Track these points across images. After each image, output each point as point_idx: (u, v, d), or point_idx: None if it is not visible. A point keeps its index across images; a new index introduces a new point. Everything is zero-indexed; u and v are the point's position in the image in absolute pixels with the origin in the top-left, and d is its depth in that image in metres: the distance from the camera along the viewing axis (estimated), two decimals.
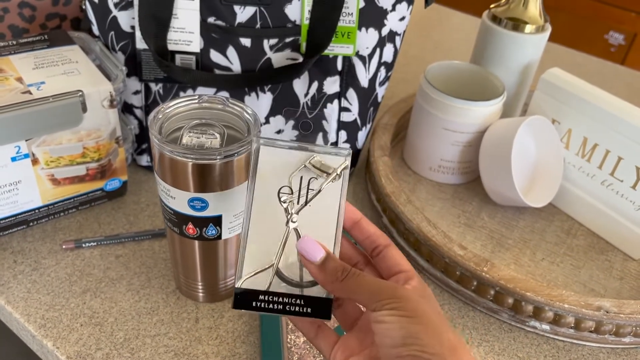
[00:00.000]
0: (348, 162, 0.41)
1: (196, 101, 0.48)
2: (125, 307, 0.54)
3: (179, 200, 0.46)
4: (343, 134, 0.67)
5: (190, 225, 0.48)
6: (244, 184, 0.47)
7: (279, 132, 0.65)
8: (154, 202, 0.65)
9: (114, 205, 0.64)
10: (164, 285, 0.56)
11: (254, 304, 0.38)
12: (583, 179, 0.67)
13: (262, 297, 0.38)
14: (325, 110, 0.65)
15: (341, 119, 0.66)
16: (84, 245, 0.58)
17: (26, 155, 0.53)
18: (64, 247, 0.58)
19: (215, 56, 0.61)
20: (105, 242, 0.59)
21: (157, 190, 0.48)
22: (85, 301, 0.54)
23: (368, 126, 0.70)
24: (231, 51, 0.61)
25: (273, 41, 0.61)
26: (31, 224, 0.59)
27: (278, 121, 0.65)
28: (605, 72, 1.04)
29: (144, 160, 0.68)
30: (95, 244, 0.59)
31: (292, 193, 0.40)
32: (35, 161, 0.54)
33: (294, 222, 0.40)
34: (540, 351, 0.54)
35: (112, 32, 0.61)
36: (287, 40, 0.61)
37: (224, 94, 0.63)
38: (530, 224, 0.67)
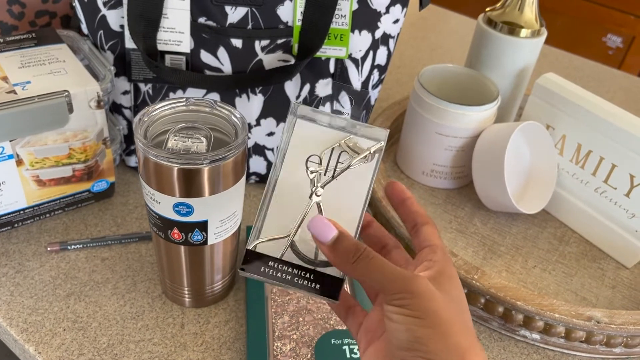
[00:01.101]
0: (383, 144, 0.40)
1: (183, 104, 0.47)
2: (109, 311, 0.53)
3: (164, 205, 0.45)
4: None
5: (176, 230, 0.47)
6: (231, 189, 0.46)
7: (270, 134, 0.64)
8: (142, 203, 0.64)
9: (101, 207, 0.63)
10: (149, 289, 0.55)
11: (262, 268, 0.37)
12: (577, 185, 0.66)
13: (272, 263, 0.37)
14: None
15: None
16: (69, 247, 0.57)
17: (10, 156, 0.53)
18: (48, 249, 0.57)
19: (205, 57, 0.60)
20: (91, 245, 0.58)
21: (143, 194, 0.47)
22: (69, 305, 0.53)
23: None
24: (222, 52, 0.60)
25: (264, 42, 0.60)
26: (16, 225, 0.58)
27: (269, 123, 0.64)
28: (602, 76, 1.04)
29: (133, 161, 0.67)
30: (81, 246, 0.58)
31: (320, 163, 0.39)
32: (19, 162, 0.53)
33: (318, 195, 0.39)
34: None
35: (101, 31, 0.60)
36: (279, 41, 0.60)
37: (214, 95, 0.62)
38: (523, 231, 0.67)
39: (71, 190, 0.59)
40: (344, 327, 0.52)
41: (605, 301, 0.59)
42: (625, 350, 0.54)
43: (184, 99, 0.48)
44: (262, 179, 0.68)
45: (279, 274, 0.37)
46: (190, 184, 0.44)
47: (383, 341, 0.36)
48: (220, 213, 0.47)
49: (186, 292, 0.53)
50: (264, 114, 0.63)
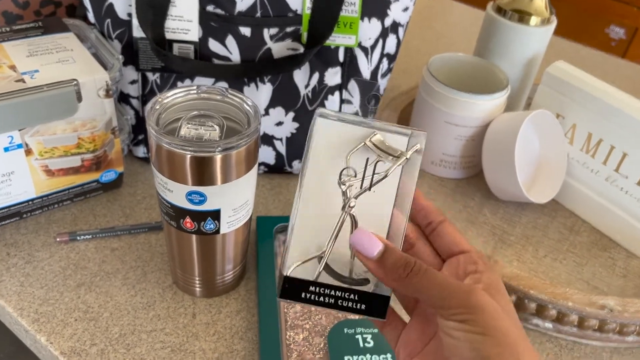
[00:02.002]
0: (421, 145, 0.37)
1: (195, 92, 0.47)
2: (120, 301, 0.52)
3: (177, 193, 0.45)
4: None
5: (188, 219, 0.46)
6: (243, 177, 0.46)
7: (278, 124, 0.64)
8: (151, 194, 0.64)
9: (110, 197, 0.63)
10: (160, 279, 0.55)
11: (302, 294, 0.35)
12: (587, 175, 0.66)
13: (313, 288, 0.35)
14: (326, 102, 0.63)
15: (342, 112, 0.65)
16: (78, 238, 0.57)
17: (19, 146, 0.52)
18: (58, 239, 0.57)
19: (214, 45, 0.59)
20: (101, 235, 0.58)
21: (154, 183, 0.47)
22: (80, 295, 0.52)
23: None
24: (230, 40, 0.59)
25: (273, 31, 0.59)
26: (25, 215, 0.58)
27: (278, 113, 0.63)
28: (607, 66, 1.03)
29: (141, 151, 0.67)
30: (90, 236, 0.57)
31: (355, 175, 0.36)
32: (28, 151, 0.53)
33: (352, 206, 0.35)
34: (543, 349, 0.53)
35: (108, 20, 0.59)
36: (288, 30, 0.59)
37: (223, 84, 0.61)
38: (533, 220, 0.66)
39: (80, 180, 0.58)
40: (357, 317, 0.52)
41: (617, 290, 0.59)
42: (637, 339, 0.54)
43: (195, 87, 0.47)
44: (271, 169, 0.68)
45: (321, 299, 0.35)
46: (203, 172, 0.43)
47: (426, 356, 0.34)
48: (233, 202, 0.46)
49: (197, 282, 0.52)
50: (272, 103, 0.63)
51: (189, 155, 0.42)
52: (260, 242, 0.57)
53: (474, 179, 0.72)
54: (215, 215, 0.46)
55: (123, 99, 0.64)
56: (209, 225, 0.47)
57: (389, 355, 0.48)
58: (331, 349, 0.49)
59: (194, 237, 0.48)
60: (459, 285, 0.32)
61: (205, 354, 0.49)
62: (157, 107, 0.45)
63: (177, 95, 0.46)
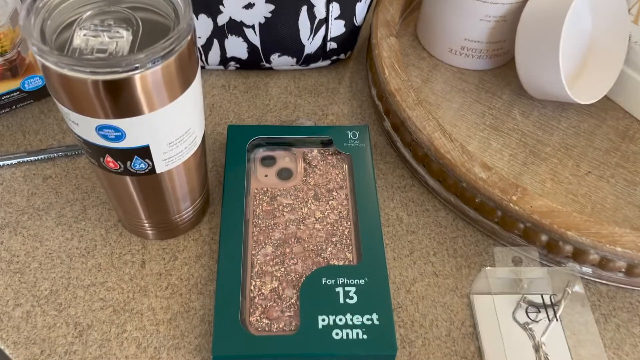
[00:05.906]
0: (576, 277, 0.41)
1: None
2: (53, 247, 0.43)
3: (85, 127, 0.32)
4: (335, 7, 0.50)
5: (109, 158, 0.35)
6: (178, 100, 0.33)
7: (248, 6, 0.49)
8: None
9: (43, 108, 0.50)
10: (103, 216, 0.44)
11: None
12: None
13: None
14: None
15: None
16: (1, 163, 0.46)
17: None
18: None
19: None
20: (30, 159, 0.47)
21: None
22: (3, 241, 0.43)
23: None
24: None
25: None
26: None
27: None
28: None
29: None
30: (15, 161, 0.46)
31: (539, 311, 0.40)
32: None
33: (545, 345, 0.39)
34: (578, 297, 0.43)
35: None
36: None
37: None
38: (576, 125, 0.53)
39: None
40: (340, 262, 0.41)
41: None
42: None
43: None
44: (244, 65, 0.54)
45: None
46: (115, 101, 0.30)
47: None
48: (167, 135, 0.34)
49: (147, 225, 0.42)
50: None
51: (89, 80, 0.29)
52: (230, 158, 0.45)
53: (502, 70, 0.57)
54: (144, 152, 0.34)
55: None
56: (139, 165, 0.35)
57: (374, 316, 0.38)
58: (302, 307, 0.38)
59: (127, 178, 0.37)
60: None
61: (156, 315, 0.40)
62: (40, 5, 0.31)
63: None
